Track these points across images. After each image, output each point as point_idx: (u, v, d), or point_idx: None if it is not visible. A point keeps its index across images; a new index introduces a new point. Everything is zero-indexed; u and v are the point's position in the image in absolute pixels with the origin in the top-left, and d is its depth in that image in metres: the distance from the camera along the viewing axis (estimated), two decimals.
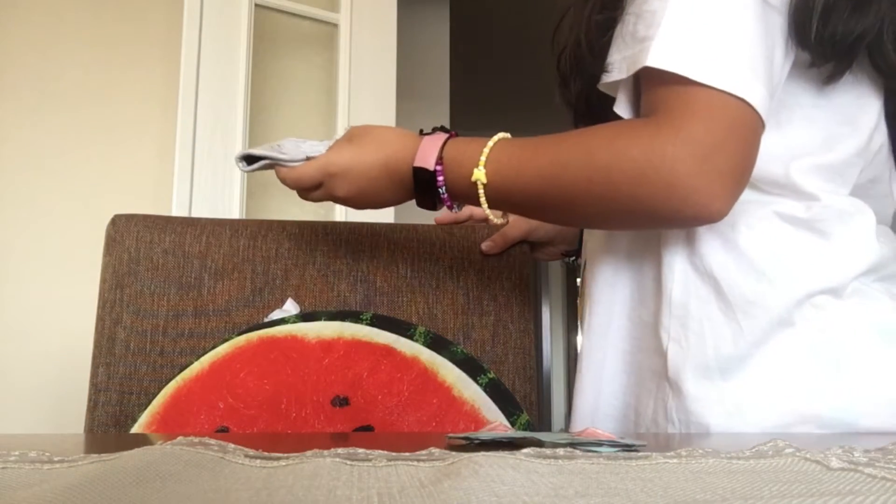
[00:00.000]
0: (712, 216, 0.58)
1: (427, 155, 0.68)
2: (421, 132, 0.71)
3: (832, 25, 0.59)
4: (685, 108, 0.57)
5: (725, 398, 0.62)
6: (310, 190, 0.75)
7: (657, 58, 0.57)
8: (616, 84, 0.63)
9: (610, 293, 0.73)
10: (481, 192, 0.65)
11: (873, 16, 0.60)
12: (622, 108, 0.64)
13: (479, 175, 0.65)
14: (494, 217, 0.70)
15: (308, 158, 0.74)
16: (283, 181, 0.76)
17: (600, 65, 0.64)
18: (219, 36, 1.64)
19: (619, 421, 0.72)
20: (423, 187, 0.69)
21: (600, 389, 0.73)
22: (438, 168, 0.67)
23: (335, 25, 1.78)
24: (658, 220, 0.60)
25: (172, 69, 1.66)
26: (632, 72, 0.60)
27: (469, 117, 4.07)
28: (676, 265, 0.66)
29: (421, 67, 2.57)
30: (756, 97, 0.56)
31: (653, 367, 0.68)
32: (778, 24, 0.60)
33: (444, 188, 0.68)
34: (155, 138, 1.70)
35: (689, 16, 0.58)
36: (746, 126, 0.57)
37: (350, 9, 1.77)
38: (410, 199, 0.72)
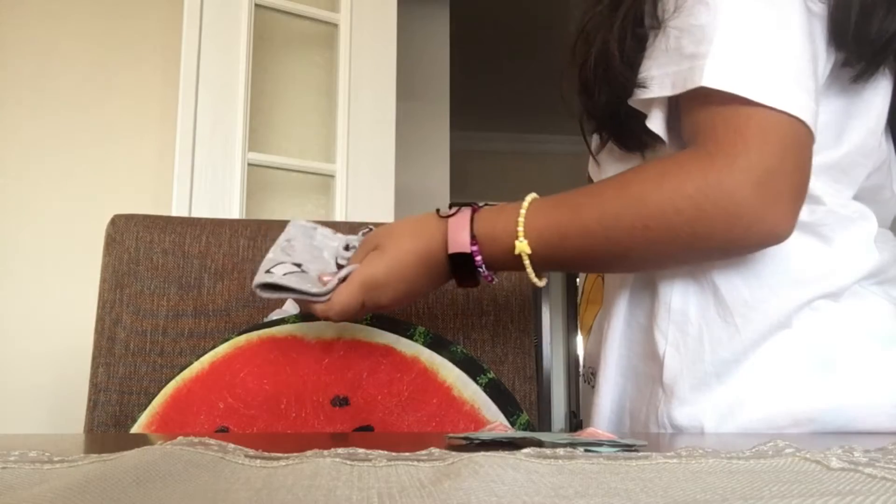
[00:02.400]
0: (779, 238, 0.57)
1: (458, 237, 0.64)
2: (438, 212, 0.68)
3: (869, 25, 0.59)
4: (737, 133, 0.55)
5: (719, 401, 0.62)
6: (358, 313, 0.69)
7: (713, 77, 0.55)
8: (648, 100, 0.61)
9: (616, 299, 0.73)
10: (527, 262, 0.63)
11: None
12: (657, 124, 0.62)
13: (523, 247, 0.62)
14: (538, 281, 0.65)
15: (339, 265, 0.70)
16: (327, 317, 0.68)
17: (633, 78, 0.62)
18: (219, 36, 1.64)
19: (615, 424, 0.72)
20: (463, 270, 0.65)
21: (602, 395, 0.73)
22: (475, 249, 0.64)
23: (335, 25, 1.78)
24: (721, 252, 0.60)
25: (172, 69, 1.66)
26: (682, 90, 0.58)
27: (469, 117, 4.07)
28: (676, 271, 0.66)
29: (421, 67, 2.57)
30: (807, 112, 0.55)
31: (648, 372, 0.68)
32: (819, 30, 0.60)
33: (483, 267, 0.65)
34: (155, 138, 1.70)
35: (740, 33, 0.57)
36: (800, 143, 0.56)
37: (350, 9, 1.77)
38: (450, 279, 0.68)
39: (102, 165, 1.67)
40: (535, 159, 4.66)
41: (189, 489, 0.29)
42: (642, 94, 0.61)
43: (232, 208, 1.60)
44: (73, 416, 1.15)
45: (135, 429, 0.76)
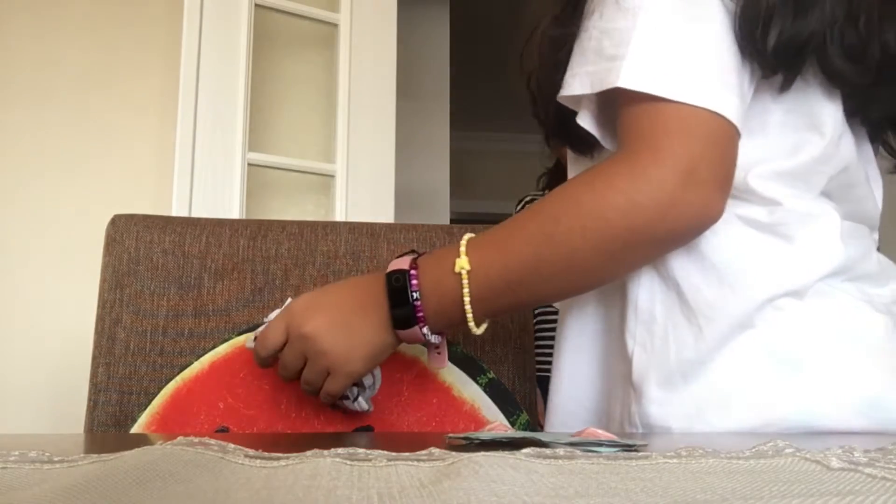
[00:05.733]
0: (712, 219, 0.59)
1: (398, 263, 0.64)
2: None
3: (775, 33, 0.59)
4: (660, 128, 0.57)
5: (686, 402, 0.62)
6: (279, 348, 0.65)
7: (629, 78, 0.57)
8: (578, 98, 0.63)
9: (583, 297, 0.73)
10: (465, 282, 0.60)
11: (816, 22, 0.59)
12: (586, 120, 0.63)
13: (463, 263, 0.60)
14: (476, 326, 0.63)
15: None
16: (256, 355, 0.67)
17: (559, 79, 0.64)
18: (219, 36, 1.64)
19: (594, 424, 0.72)
20: (398, 297, 0.62)
21: (575, 394, 0.74)
22: (413, 272, 0.62)
23: (335, 25, 1.78)
24: (660, 243, 0.60)
25: (172, 69, 1.66)
26: (599, 89, 0.60)
27: (469, 117, 4.07)
28: (642, 271, 0.66)
29: (421, 67, 2.57)
30: (729, 108, 0.57)
31: (621, 372, 0.68)
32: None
33: (417, 293, 0.62)
34: (155, 138, 1.70)
35: (658, 34, 0.58)
36: (723, 136, 0.57)
37: (350, 9, 1.77)
38: (387, 329, 0.64)
39: (102, 165, 1.67)
40: (535, 159, 4.65)
41: (189, 489, 0.29)
42: (564, 92, 0.63)
43: (232, 208, 1.60)
44: (73, 416, 1.15)
45: (135, 429, 0.76)
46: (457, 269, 0.61)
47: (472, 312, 0.61)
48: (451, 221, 2.65)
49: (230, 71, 1.64)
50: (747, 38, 0.59)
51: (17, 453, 0.37)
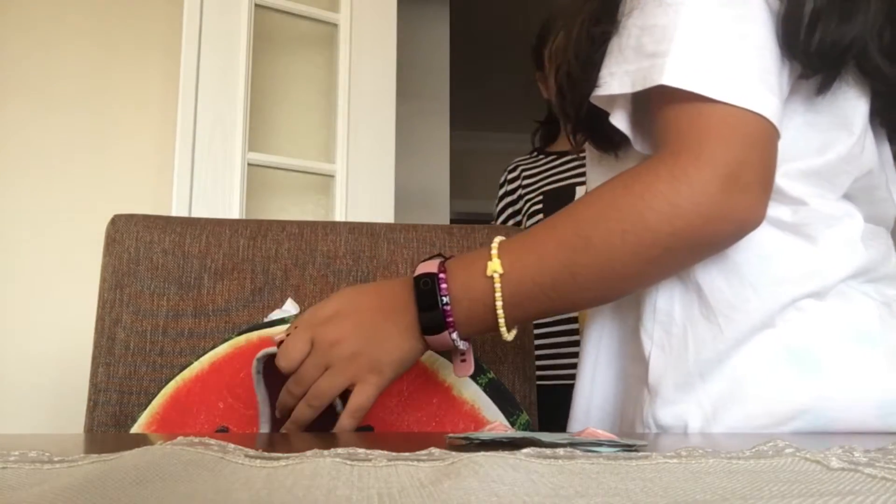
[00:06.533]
0: (752, 225, 0.57)
1: (426, 266, 0.62)
2: None
3: (820, 36, 0.58)
4: (701, 131, 0.56)
5: (703, 401, 0.62)
6: (304, 358, 0.62)
7: (673, 76, 0.56)
8: (612, 97, 0.62)
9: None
10: (498, 286, 0.58)
11: (860, 25, 0.59)
12: (620, 121, 0.62)
13: (496, 266, 0.58)
14: (507, 331, 0.61)
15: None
16: (280, 366, 0.63)
17: (593, 77, 0.62)
18: (219, 36, 1.64)
19: (608, 426, 0.72)
20: (427, 301, 0.60)
21: (592, 394, 0.74)
22: (441, 276, 0.60)
23: (335, 25, 1.78)
24: (700, 248, 0.59)
25: (172, 69, 1.66)
26: (641, 88, 0.58)
27: (469, 117, 4.07)
28: None
29: (421, 67, 2.57)
30: (770, 109, 0.56)
31: (636, 373, 0.68)
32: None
33: (447, 297, 0.60)
34: (155, 138, 1.70)
35: (700, 31, 0.57)
36: (764, 138, 0.56)
37: (350, 9, 1.77)
38: (415, 335, 0.62)
39: (102, 165, 1.67)
40: None
41: (189, 489, 0.29)
42: (600, 92, 0.62)
43: (232, 208, 1.60)
44: (73, 416, 1.15)
45: (135, 429, 0.76)
46: (489, 273, 0.59)
47: (504, 318, 0.59)
48: (451, 221, 2.65)
49: (230, 71, 1.64)
50: (790, 39, 0.59)
51: (17, 453, 0.37)
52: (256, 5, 1.69)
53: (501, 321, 0.60)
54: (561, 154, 1.79)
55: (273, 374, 0.65)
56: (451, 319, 0.60)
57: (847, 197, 0.66)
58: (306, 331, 0.62)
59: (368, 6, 1.80)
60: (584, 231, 0.58)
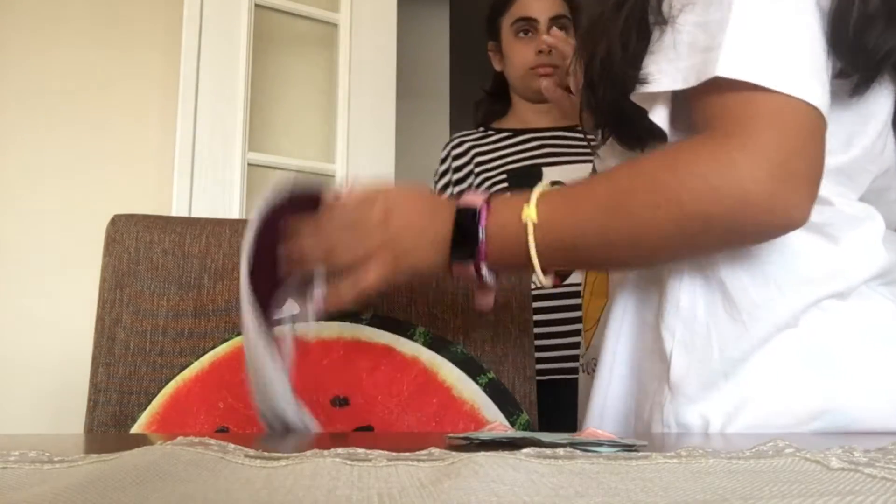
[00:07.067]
0: (795, 224, 0.56)
1: (471, 198, 0.63)
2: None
3: (866, 37, 0.58)
4: (753, 118, 0.55)
5: (725, 400, 0.62)
6: (367, 213, 0.65)
7: (726, 67, 0.55)
8: (654, 95, 0.61)
9: (621, 292, 0.73)
10: (531, 233, 0.60)
11: None
12: (660, 118, 0.61)
13: (530, 213, 0.60)
14: (544, 279, 0.62)
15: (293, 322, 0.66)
16: (360, 288, 0.65)
17: (635, 74, 0.61)
18: (219, 36, 1.64)
19: (622, 424, 0.72)
20: (464, 230, 0.62)
21: (608, 392, 0.73)
22: (484, 208, 0.62)
23: (335, 25, 1.78)
24: (735, 237, 0.58)
25: (172, 69, 1.66)
26: (695, 82, 0.57)
27: (469, 117, 4.06)
28: (684, 269, 0.65)
29: (421, 67, 2.57)
30: (820, 99, 0.55)
31: (654, 371, 0.68)
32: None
33: (483, 231, 0.61)
34: (155, 138, 1.70)
35: (752, 24, 0.57)
36: (816, 129, 0.56)
37: (350, 9, 1.77)
38: (442, 255, 0.64)
39: (102, 165, 1.67)
40: None
41: (189, 489, 0.29)
42: (647, 89, 0.60)
43: (232, 208, 1.60)
44: (73, 416, 1.15)
45: (135, 429, 0.76)
46: (523, 218, 0.60)
47: (538, 263, 0.61)
48: None
49: (230, 71, 1.64)
50: (837, 37, 0.59)
51: (17, 453, 0.37)
52: (256, 5, 1.69)
53: (537, 267, 0.61)
54: (517, 132, 1.67)
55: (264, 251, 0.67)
56: (482, 257, 0.62)
57: (862, 199, 0.66)
58: (376, 190, 0.65)
59: (368, 6, 1.80)
60: (620, 198, 0.58)
